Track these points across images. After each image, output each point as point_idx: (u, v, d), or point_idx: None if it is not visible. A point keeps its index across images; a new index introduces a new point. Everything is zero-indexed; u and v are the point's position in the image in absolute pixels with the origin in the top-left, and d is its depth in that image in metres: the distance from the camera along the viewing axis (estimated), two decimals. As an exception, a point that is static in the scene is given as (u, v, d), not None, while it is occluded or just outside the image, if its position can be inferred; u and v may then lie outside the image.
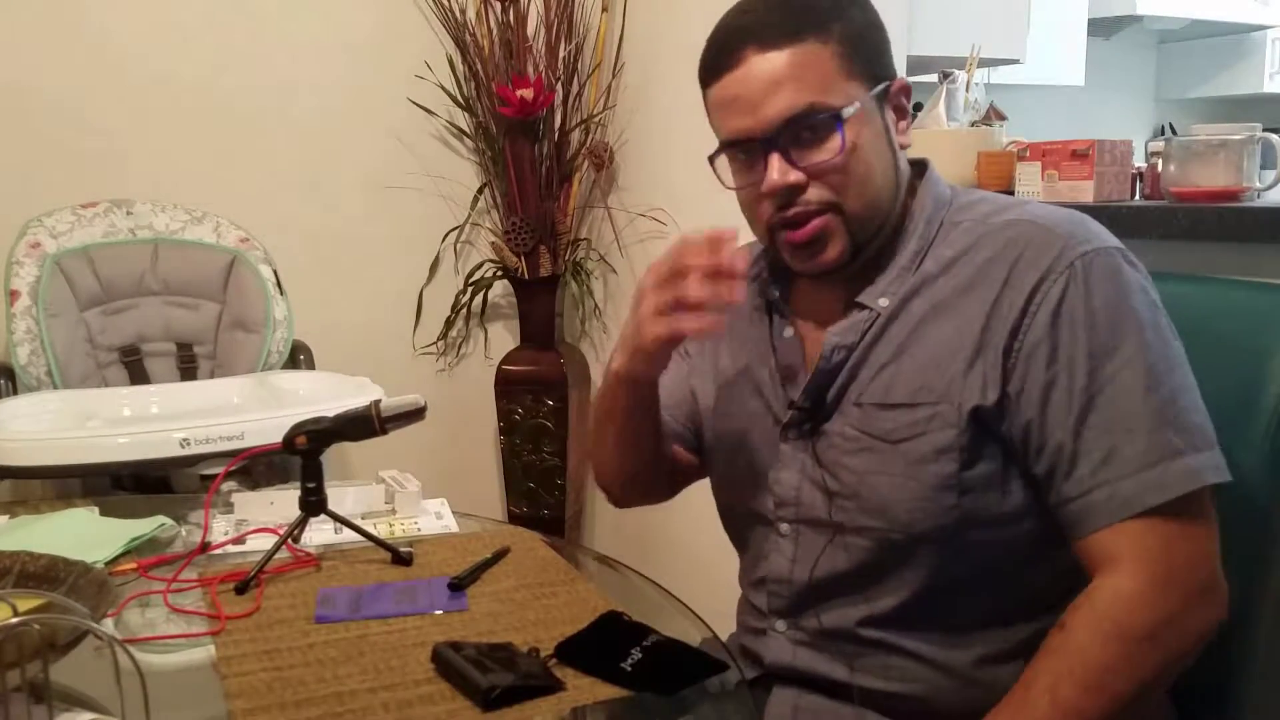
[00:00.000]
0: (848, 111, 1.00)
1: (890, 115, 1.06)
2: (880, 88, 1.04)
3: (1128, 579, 0.93)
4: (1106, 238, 1.00)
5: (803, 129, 1.01)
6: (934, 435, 1.00)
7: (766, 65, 1.00)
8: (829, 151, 1.01)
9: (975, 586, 1.03)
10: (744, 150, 1.05)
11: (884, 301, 1.05)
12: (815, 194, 1.02)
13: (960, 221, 1.06)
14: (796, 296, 1.15)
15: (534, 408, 2.73)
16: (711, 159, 1.09)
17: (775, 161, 1.02)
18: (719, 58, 1.03)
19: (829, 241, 1.04)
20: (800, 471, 1.08)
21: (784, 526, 1.10)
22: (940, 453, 1.00)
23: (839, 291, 1.09)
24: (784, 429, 1.10)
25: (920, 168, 1.11)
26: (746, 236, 1.10)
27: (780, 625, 1.11)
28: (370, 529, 1.26)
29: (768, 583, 1.12)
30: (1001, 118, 2.08)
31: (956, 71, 1.98)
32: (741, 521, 1.17)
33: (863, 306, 1.06)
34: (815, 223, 1.03)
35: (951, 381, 1.00)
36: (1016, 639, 1.03)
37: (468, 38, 2.68)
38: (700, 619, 1.11)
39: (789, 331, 1.13)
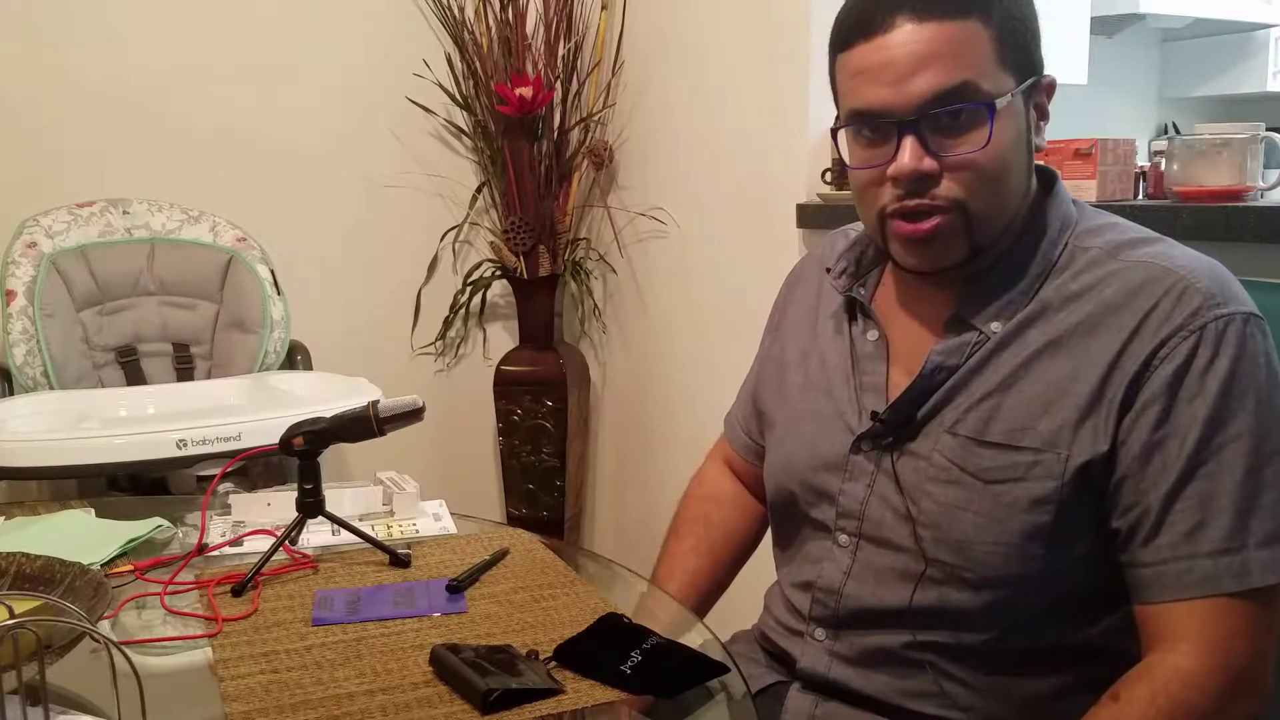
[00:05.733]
0: (1001, 102, 0.93)
1: (1032, 113, 0.99)
2: (1029, 82, 0.97)
3: (1188, 660, 0.90)
4: (1245, 301, 0.94)
5: (948, 113, 0.93)
6: (1032, 484, 0.94)
7: (921, 35, 0.92)
8: (972, 143, 0.93)
9: (1040, 629, 0.99)
10: (874, 126, 0.96)
11: (996, 326, 0.98)
12: (945, 189, 0.95)
13: (1088, 248, 0.99)
14: (886, 298, 1.08)
15: (533, 408, 2.73)
16: (834, 130, 1.02)
17: (910, 144, 0.94)
18: (866, 19, 0.94)
19: (949, 241, 0.97)
20: (869, 486, 1.03)
21: (843, 538, 1.06)
22: (1037, 503, 0.94)
23: (938, 298, 1.02)
24: (857, 439, 1.04)
25: (1047, 179, 1.04)
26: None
27: (820, 634, 1.07)
28: (368, 530, 1.25)
29: (815, 589, 1.07)
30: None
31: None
32: (794, 520, 1.13)
33: (972, 326, 0.99)
34: (937, 220, 0.95)
35: (1061, 430, 0.94)
36: (1075, 681, 0.99)
37: (466, 36, 2.67)
38: (701, 621, 1.10)
39: (873, 334, 1.07)
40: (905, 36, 0.93)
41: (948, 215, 0.96)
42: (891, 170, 0.95)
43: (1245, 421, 0.91)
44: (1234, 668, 0.90)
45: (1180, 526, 0.91)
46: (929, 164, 0.94)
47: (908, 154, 0.94)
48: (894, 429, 1.02)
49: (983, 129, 0.93)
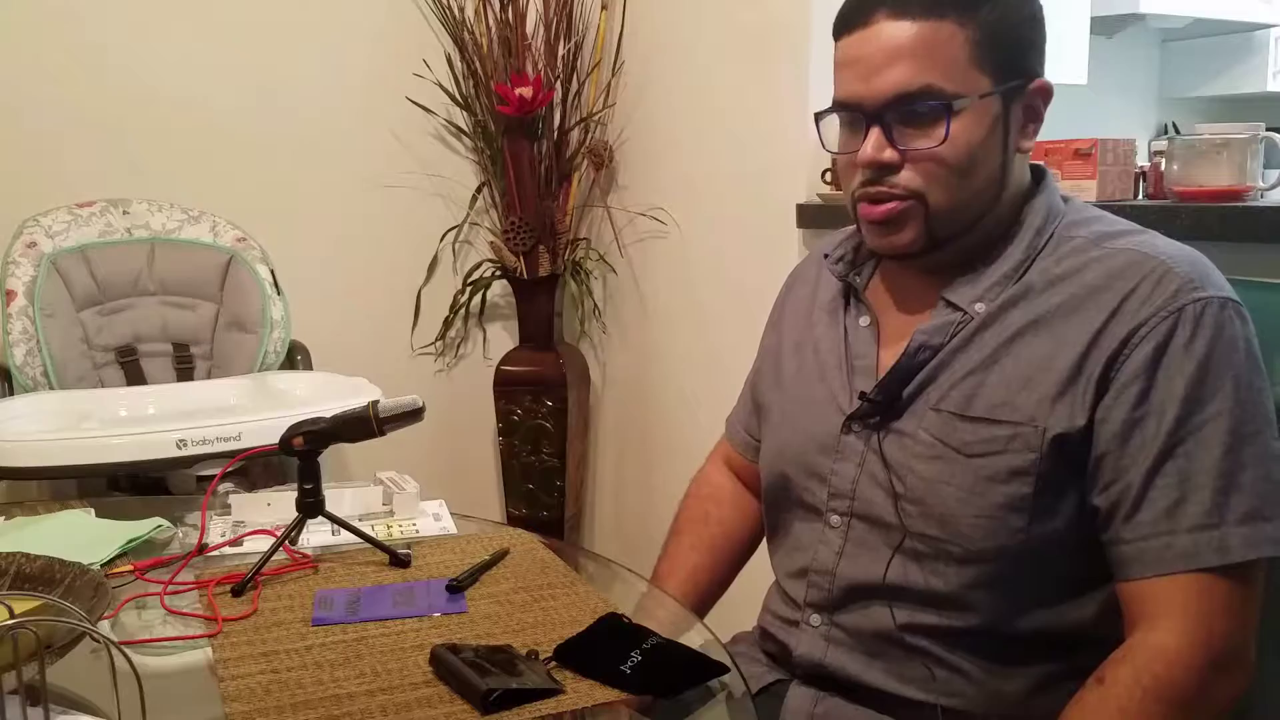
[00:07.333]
0: (959, 104, 0.97)
1: (1017, 114, 1.02)
2: (1012, 84, 1.00)
3: (1170, 637, 0.91)
4: (1223, 286, 0.97)
5: (909, 109, 0.98)
6: (1011, 456, 0.97)
7: (894, 33, 0.97)
8: (931, 139, 0.98)
9: (1029, 611, 1.00)
10: (850, 115, 1.03)
11: (979, 306, 1.02)
12: (905, 178, 1.00)
13: (1072, 237, 1.02)
14: (880, 284, 1.13)
15: (533, 408, 2.73)
16: (818, 116, 1.07)
17: (874, 135, 1.00)
18: (851, 13, 1.01)
19: (904, 226, 1.02)
20: (859, 465, 1.06)
21: (834, 519, 1.08)
22: (1014, 474, 0.97)
23: (927, 285, 1.06)
24: (848, 420, 1.07)
25: (1037, 175, 1.08)
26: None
27: (815, 619, 1.09)
28: (368, 530, 1.25)
29: (809, 574, 1.10)
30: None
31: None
32: (786, 507, 1.15)
33: (956, 307, 1.03)
34: (892, 205, 1.01)
35: (1039, 404, 0.97)
36: (1066, 669, 1.00)
37: (466, 35, 2.67)
38: (701, 621, 1.10)
39: (865, 320, 1.11)
40: (881, 33, 0.98)
41: (905, 203, 1.01)
42: (858, 158, 1.01)
43: (1224, 402, 0.93)
44: (1216, 645, 0.91)
45: (1160, 503, 0.93)
46: (890, 155, 1.00)
47: (871, 145, 1.00)
48: (882, 408, 1.05)
49: (939, 127, 0.98)
